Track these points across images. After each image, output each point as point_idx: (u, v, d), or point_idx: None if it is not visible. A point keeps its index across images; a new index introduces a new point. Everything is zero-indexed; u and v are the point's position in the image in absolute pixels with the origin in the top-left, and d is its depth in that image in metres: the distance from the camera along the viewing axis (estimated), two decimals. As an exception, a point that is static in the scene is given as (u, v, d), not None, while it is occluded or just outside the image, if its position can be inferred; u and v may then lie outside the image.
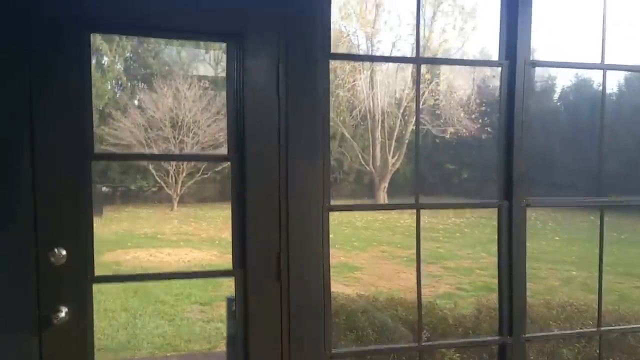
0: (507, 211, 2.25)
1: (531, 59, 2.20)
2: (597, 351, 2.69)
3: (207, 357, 5.93)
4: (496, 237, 2.32)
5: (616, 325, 3.14)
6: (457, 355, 3.03)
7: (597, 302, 2.51)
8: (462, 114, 17.77)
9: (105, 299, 7.60)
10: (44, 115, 1.77)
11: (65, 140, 1.78)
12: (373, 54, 17.60)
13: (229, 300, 3.98)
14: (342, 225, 14.48)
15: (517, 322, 2.33)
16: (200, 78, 16.22)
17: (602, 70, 2.33)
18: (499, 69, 2.23)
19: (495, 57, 2.26)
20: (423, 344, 2.45)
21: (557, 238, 12.61)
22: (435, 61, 17.07)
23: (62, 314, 1.82)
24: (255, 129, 1.93)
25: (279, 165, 1.96)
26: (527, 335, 2.37)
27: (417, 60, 2.24)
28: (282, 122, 1.94)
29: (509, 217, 2.25)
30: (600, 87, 2.57)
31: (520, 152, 2.23)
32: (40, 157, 1.76)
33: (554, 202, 2.46)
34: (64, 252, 1.79)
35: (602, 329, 2.54)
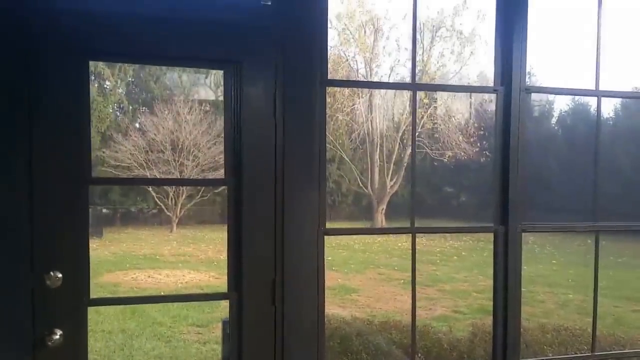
0: (503, 236, 2.26)
1: (527, 83, 2.22)
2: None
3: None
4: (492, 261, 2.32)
5: (611, 350, 3.12)
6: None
7: (592, 327, 2.50)
8: (460, 138, 17.85)
9: (102, 320, 7.55)
10: (43, 140, 1.78)
11: (64, 164, 1.79)
12: (371, 78, 17.73)
13: (224, 323, 3.96)
14: (339, 247, 14.44)
15: (512, 348, 2.31)
16: (201, 102, 16.33)
17: (596, 97, 2.35)
18: (495, 108, 2.25)
19: (492, 81, 2.28)
20: (418, 368, 2.43)
21: (554, 261, 12.57)
22: (431, 87, 17.24)
23: (57, 337, 1.80)
24: (253, 153, 1.94)
25: (275, 189, 1.96)
26: (522, 360, 2.36)
27: (413, 87, 2.26)
28: (278, 146, 1.95)
29: (504, 242, 2.25)
30: (596, 116, 2.59)
31: (516, 177, 2.24)
32: (37, 181, 1.77)
33: (549, 228, 2.47)
34: (59, 275, 1.79)
35: (596, 354, 2.53)
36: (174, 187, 15.91)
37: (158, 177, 15.32)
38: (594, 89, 2.33)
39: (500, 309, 2.29)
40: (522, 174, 2.26)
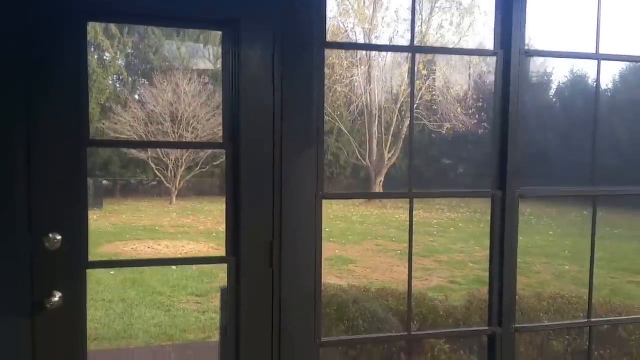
0: (500, 201, 2.25)
1: (527, 48, 2.19)
2: (587, 343, 2.69)
3: (201, 347, 5.94)
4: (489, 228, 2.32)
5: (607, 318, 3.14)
6: (447, 346, 3.03)
7: (588, 293, 2.51)
8: (459, 110, 17.77)
9: (103, 290, 7.61)
10: (41, 103, 1.75)
11: (62, 127, 1.77)
12: (370, 51, 17.58)
13: (223, 291, 3.98)
14: (337, 219, 14.49)
15: (507, 313, 2.32)
16: (200, 73, 16.19)
17: (596, 61, 2.32)
18: (495, 64, 2.22)
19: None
20: (412, 333, 2.44)
21: (551, 233, 12.63)
22: (430, 50, 17.06)
23: (56, 299, 1.81)
24: (251, 116, 1.91)
25: (274, 152, 1.94)
26: (517, 325, 2.37)
27: (412, 49, 2.23)
28: (277, 110, 1.93)
29: (502, 207, 2.24)
30: (596, 83, 2.56)
31: (515, 142, 2.22)
32: (36, 144, 1.75)
33: (547, 192, 2.46)
34: (58, 238, 1.78)
35: (593, 320, 2.54)
36: (173, 159, 15.85)
37: (158, 149, 15.28)
38: (594, 52, 2.30)
39: (497, 272, 2.29)
40: (521, 140, 2.24)
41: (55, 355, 1.87)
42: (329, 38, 2.03)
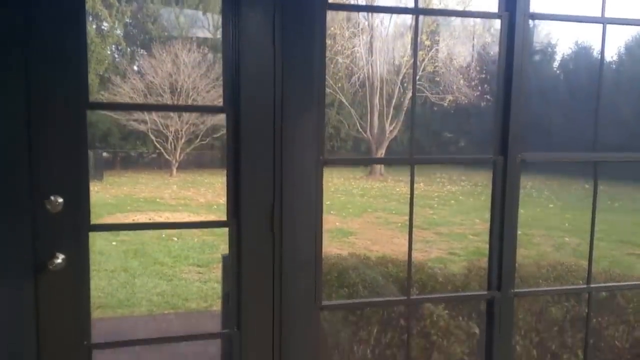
0: (501, 166, 2.25)
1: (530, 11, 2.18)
2: (586, 310, 2.72)
3: (203, 315, 6.02)
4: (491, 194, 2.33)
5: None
6: (446, 312, 3.06)
7: (588, 260, 2.53)
8: (461, 82, 17.64)
9: (105, 260, 7.69)
10: (40, 65, 1.74)
11: (61, 89, 1.76)
12: (372, 19, 17.38)
13: (225, 258, 3.99)
14: (338, 192, 14.54)
15: (507, 277, 2.35)
16: (200, 43, 16.06)
17: (602, 25, 2.30)
18: (499, 27, 2.20)
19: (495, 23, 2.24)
20: (412, 297, 2.47)
21: (551, 205, 12.68)
22: (433, 12, 16.83)
23: (59, 260, 1.82)
24: (251, 80, 1.90)
25: (274, 116, 1.94)
26: (515, 290, 2.39)
27: (415, 11, 2.22)
28: (277, 73, 1.92)
29: (503, 171, 2.25)
30: (600, 50, 2.53)
31: (518, 106, 2.22)
32: (36, 106, 1.75)
33: (548, 157, 2.46)
34: (60, 200, 1.79)
35: (592, 285, 2.57)
36: (173, 131, 15.83)
37: (157, 120, 15.22)
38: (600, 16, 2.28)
39: (497, 237, 2.31)
40: (523, 108, 2.23)
41: (58, 315, 1.89)
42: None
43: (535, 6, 2.16)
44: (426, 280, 3.17)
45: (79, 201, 1.84)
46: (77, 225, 1.85)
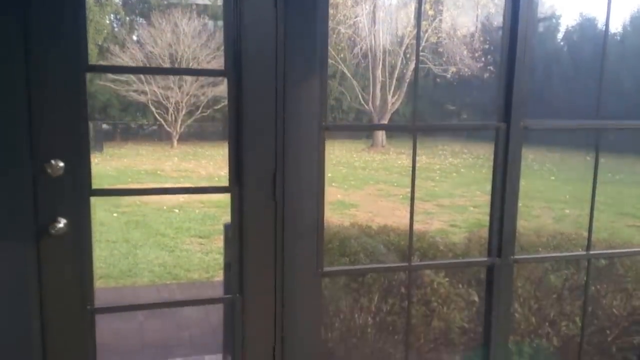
0: (504, 133, 2.25)
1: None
2: (585, 278, 2.75)
3: (205, 285, 6.08)
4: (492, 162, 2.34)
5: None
6: (446, 279, 3.10)
7: (588, 227, 2.54)
8: (464, 52, 17.49)
9: (106, 231, 7.75)
10: (39, 27, 1.73)
11: (60, 51, 1.75)
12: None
13: (226, 227, 4.01)
14: (339, 165, 14.55)
15: (507, 244, 2.36)
16: (200, 12, 15.87)
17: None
18: (504, 5, 2.18)
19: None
20: (413, 264, 2.50)
21: (552, 178, 12.69)
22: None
23: (61, 225, 1.83)
24: (253, 43, 1.89)
25: (276, 82, 1.93)
26: (515, 257, 2.42)
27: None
28: (279, 37, 1.90)
29: (506, 138, 2.25)
30: (604, 27, 2.51)
31: (522, 74, 2.21)
32: (35, 69, 1.74)
33: (551, 125, 2.45)
34: (61, 164, 1.79)
35: (591, 252, 2.59)
36: (174, 103, 15.75)
37: (157, 91, 15.14)
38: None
39: (498, 204, 2.32)
40: (527, 77, 2.22)
41: (61, 280, 1.91)
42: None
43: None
44: (427, 249, 3.20)
45: (80, 165, 1.84)
46: (78, 190, 1.86)
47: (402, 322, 2.97)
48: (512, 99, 2.21)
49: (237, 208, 2.05)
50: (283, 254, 2.10)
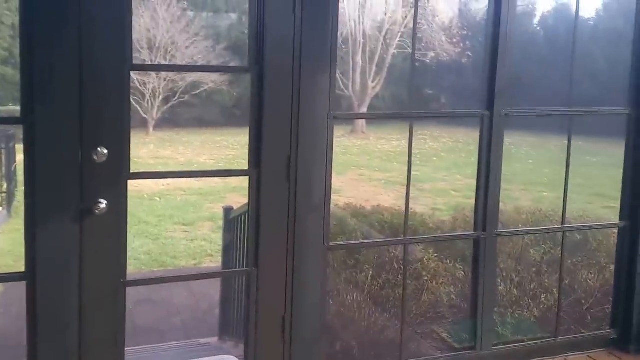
0: (488, 120, 2.61)
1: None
2: (561, 251, 3.13)
3: (193, 271, 6.29)
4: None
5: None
6: (435, 255, 3.47)
7: (562, 203, 2.93)
8: (443, 38, 17.86)
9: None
10: (90, 31, 2.03)
11: (108, 51, 2.06)
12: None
13: (226, 210, 4.30)
14: (320, 150, 14.71)
15: (491, 219, 2.74)
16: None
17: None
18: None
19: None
20: (407, 237, 2.86)
21: (530, 161, 13.13)
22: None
23: (103, 206, 2.12)
24: (273, 45, 2.23)
25: (292, 76, 2.27)
26: (498, 230, 2.80)
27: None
28: (296, 39, 2.25)
29: (489, 125, 2.61)
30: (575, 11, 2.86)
31: (504, 63, 2.56)
32: (86, 66, 2.03)
33: (529, 112, 2.81)
34: (105, 151, 2.08)
35: (566, 226, 2.99)
36: (150, 88, 15.80)
37: (134, 77, 15.19)
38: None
39: (483, 183, 2.70)
40: (507, 65, 2.58)
41: (100, 255, 2.20)
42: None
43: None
44: (417, 226, 3.57)
45: (121, 152, 2.14)
46: (118, 174, 2.16)
47: (396, 293, 3.33)
48: (495, 89, 2.58)
49: (255, 188, 2.37)
50: (295, 230, 2.43)
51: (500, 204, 2.79)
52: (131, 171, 2.18)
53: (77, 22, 2.00)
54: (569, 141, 2.82)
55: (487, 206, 2.72)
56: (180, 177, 2.48)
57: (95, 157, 2.08)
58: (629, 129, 2.95)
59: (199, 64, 15.11)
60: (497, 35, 2.53)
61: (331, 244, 2.59)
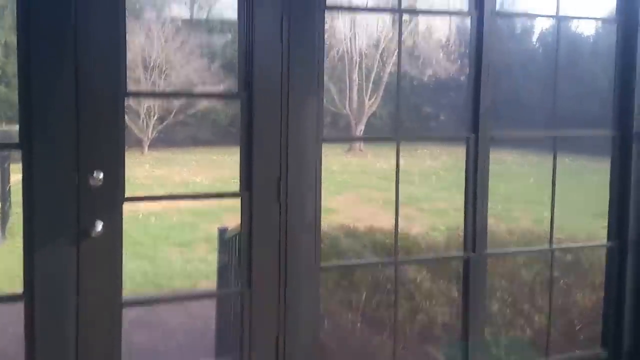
0: (474, 143, 2.75)
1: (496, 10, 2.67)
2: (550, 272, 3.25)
3: (189, 292, 6.35)
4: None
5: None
6: (428, 274, 3.59)
7: (550, 224, 3.05)
8: (441, 55, 18.09)
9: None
10: (85, 60, 2.17)
11: (104, 78, 2.19)
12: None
13: (221, 231, 4.41)
14: (317, 169, 14.77)
15: (480, 240, 2.86)
16: (172, 19, 16.15)
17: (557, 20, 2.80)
18: (469, 32, 2.71)
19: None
20: (399, 259, 2.97)
21: (531, 180, 13.23)
22: (413, 11, 17.38)
23: (99, 228, 2.23)
24: (262, 71, 2.37)
25: (281, 102, 2.41)
26: (488, 251, 2.91)
27: (399, 10, 2.69)
28: (284, 64, 2.38)
29: (475, 148, 2.75)
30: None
31: (487, 91, 2.71)
32: (82, 93, 2.16)
33: (514, 136, 2.96)
34: (101, 175, 2.21)
35: (554, 247, 3.10)
36: (145, 107, 15.98)
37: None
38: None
39: (470, 205, 2.82)
40: (494, 87, 2.73)
41: (96, 276, 2.31)
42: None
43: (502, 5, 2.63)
44: (411, 247, 3.69)
45: (117, 175, 2.27)
46: (114, 197, 2.28)
47: (389, 313, 3.43)
48: (479, 112, 2.72)
49: (247, 210, 2.49)
50: (286, 251, 2.55)
51: (494, 224, 2.91)
52: (126, 195, 2.30)
53: (73, 51, 2.14)
54: (554, 164, 2.95)
55: (476, 227, 2.84)
56: (173, 200, 2.56)
57: (91, 181, 2.20)
58: (614, 150, 3.10)
59: (194, 82, 15.29)
60: (480, 58, 2.68)
61: (322, 264, 2.70)
